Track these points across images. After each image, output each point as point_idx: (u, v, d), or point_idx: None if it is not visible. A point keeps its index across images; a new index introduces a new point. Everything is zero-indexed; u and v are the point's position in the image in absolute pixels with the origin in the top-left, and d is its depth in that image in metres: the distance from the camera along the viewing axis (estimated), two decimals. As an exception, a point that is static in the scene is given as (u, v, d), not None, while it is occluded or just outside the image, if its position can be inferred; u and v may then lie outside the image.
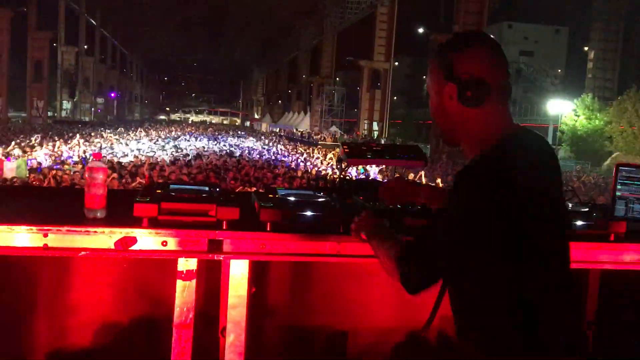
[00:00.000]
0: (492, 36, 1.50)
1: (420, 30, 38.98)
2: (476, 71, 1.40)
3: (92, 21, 46.30)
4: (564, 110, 35.99)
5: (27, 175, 9.89)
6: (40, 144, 16.71)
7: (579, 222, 2.20)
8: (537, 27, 60.31)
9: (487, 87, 1.40)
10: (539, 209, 1.38)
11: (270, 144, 27.52)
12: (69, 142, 18.88)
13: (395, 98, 43.66)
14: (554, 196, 1.47)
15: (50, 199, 2.42)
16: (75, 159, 14.46)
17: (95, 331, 2.38)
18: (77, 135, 20.87)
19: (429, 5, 32.87)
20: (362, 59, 37.23)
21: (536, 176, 1.41)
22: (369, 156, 2.49)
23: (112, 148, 19.38)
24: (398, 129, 48.54)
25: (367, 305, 2.48)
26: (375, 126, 37.32)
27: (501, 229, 1.34)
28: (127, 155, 16.71)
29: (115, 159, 14.90)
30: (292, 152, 23.26)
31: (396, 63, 40.64)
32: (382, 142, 34.35)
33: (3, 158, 10.84)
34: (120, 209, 2.02)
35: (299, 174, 12.83)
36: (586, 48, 49.87)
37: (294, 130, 44.84)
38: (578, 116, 34.60)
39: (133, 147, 21.12)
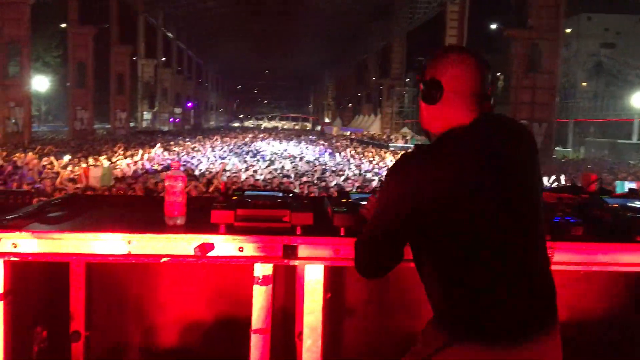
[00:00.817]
0: (473, 54, 1.59)
1: (493, 26, 37.91)
2: (437, 75, 1.56)
3: (170, 34, 48.25)
4: (651, 104, 33.91)
5: (112, 183, 10.41)
6: (124, 154, 17.56)
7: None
8: (618, 18, 57.14)
9: (441, 89, 1.56)
10: (464, 197, 1.44)
11: (337, 149, 27.50)
12: (150, 151, 19.73)
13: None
14: (504, 186, 1.48)
15: (132, 207, 2.53)
16: (156, 167, 15.09)
17: (179, 331, 2.46)
18: (157, 145, 21.76)
19: (502, 0, 31.93)
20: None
21: (472, 165, 1.47)
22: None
23: (189, 156, 20.06)
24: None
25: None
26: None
27: (408, 215, 1.47)
28: (202, 162, 17.23)
29: (193, 167, 15.41)
30: (362, 156, 23.19)
31: (469, 61, 39.66)
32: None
33: (89, 166, 11.46)
34: (198, 215, 2.09)
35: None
36: (674, 37, 46.84)
37: (365, 133, 44.73)
38: (666, 109, 32.50)
39: (209, 154, 21.77)
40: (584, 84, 55.14)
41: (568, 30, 52.90)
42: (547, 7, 22.75)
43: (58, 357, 2.30)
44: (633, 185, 11.43)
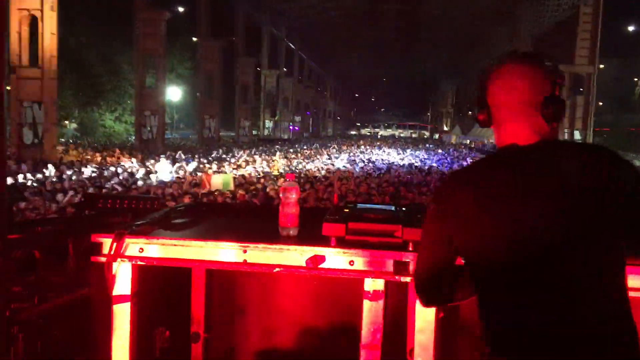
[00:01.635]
0: (521, 59, 1.49)
1: (631, 28, 35.10)
2: (483, 93, 1.54)
3: (291, 45, 49.88)
4: None
5: (233, 188, 10.92)
6: (247, 161, 18.39)
7: None
8: None
9: (484, 107, 1.52)
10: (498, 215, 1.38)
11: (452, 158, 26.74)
12: (270, 158, 20.49)
13: (601, 104, 39.83)
14: (547, 211, 1.35)
15: (249, 216, 2.62)
16: (275, 173, 15.63)
17: (291, 338, 2.51)
18: (277, 153, 22.52)
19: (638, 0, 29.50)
20: (561, 63, 34.66)
21: (510, 186, 1.39)
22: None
23: (307, 163, 20.56)
24: (605, 138, 44.06)
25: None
26: (577, 135, 34.41)
27: (446, 228, 1.46)
28: (319, 170, 17.58)
29: (310, 173, 15.77)
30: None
31: (601, 66, 37.09)
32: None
33: (211, 173, 12.10)
34: (311, 226, 2.12)
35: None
36: None
37: (485, 142, 43.21)
38: None
39: (327, 161, 22.17)
40: None
41: None
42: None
43: (179, 356, 2.43)
44: None
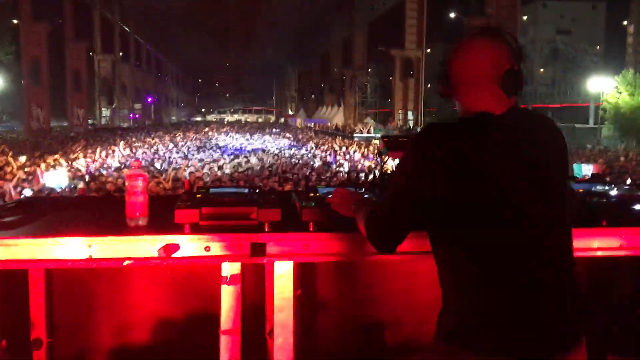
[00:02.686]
0: (487, 35, 1.55)
1: (453, 15, 38.32)
2: (449, 64, 1.58)
3: (127, 29, 47.21)
4: (605, 88, 34.84)
5: (70, 184, 10.13)
6: (83, 153, 17.12)
7: (638, 207, 2.09)
8: (572, 5, 58.47)
9: (447, 77, 1.58)
10: (481, 178, 1.40)
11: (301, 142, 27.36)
12: (110, 148, 19.30)
13: (429, 86, 43.13)
14: (527, 175, 1.43)
15: (92, 209, 2.44)
16: (117, 164, 14.77)
17: (147, 332, 2.39)
18: (121, 143, 21.27)
19: (460, -11, 32.29)
20: (393, 48, 36.87)
21: (491, 150, 1.41)
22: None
23: (152, 153, 19.72)
24: (434, 117, 47.86)
25: (411, 298, 2.42)
26: (410, 115, 36.95)
27: (426, 188, 1.42)
28: (165, 160, 16.94)
29: (157, 164, 15.14)
30: (326, 149, 23.19)
31: (429, 50, 40.06)
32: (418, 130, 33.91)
33: (43, 168, 11.11)
34: (162, 215, 2.02)
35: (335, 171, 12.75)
36: (625, 22, 48.16)
37: (329, 124, 44.77)
38: (620, 93, 33.41)
39: (172, 150, 21.44)
40: (541, 70, 56.29)
41: (525, 18, 53.86)
42: (505, -5, 23.12)
43: (19, 367, 2.21)
44: (590, 167, 11.69)
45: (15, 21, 33.24)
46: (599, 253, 2.03)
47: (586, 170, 10.99)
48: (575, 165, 12.30)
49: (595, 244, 2.01)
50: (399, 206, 1.49)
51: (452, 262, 1.46)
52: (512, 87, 1.49)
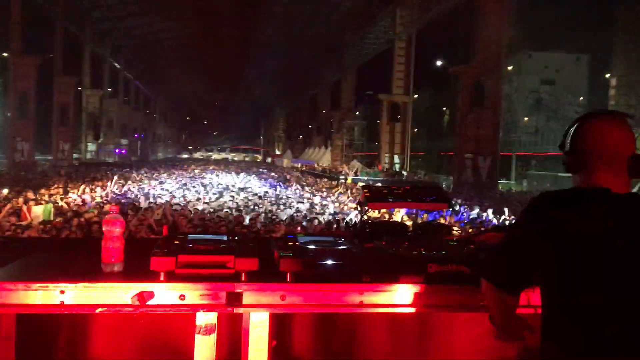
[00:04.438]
0: (608, 117, 1.62)
1: (439, 63, 39.17)
2: (577, 143, 1.65)
3: (117, 65, 47.56)
4: (588, 138, 35.44)
5: (53, 219, 10.00)
6: (65, 188, 16.96)
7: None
8: (557, 55, 60.07)
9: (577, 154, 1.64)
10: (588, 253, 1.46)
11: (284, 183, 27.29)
12: (93, 184, 19.16)
13: (416, 130, 43.70)
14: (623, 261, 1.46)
15: (68, 252, 2.40)
16: (99, 200, 14.63)
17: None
18: (114, 178, 21.05)
19: (448, 38, 33.02)
20: (381, 92, 37.46)
21: (600, 225, 1.47)
22: (390, 200, 2.44)
23: (137, 189, 19.59)
24: (420, 161, 48.29)
25: (391, 352, 2.39)
26: (396, 159, 37.25)
27: (535, 253, 1.53)
28: (149, 198, 16.82)
29: (142, 200, 15.02)
30: (313, 188, 23.21)
31: (416, 96, 40.72)
32: (404, 174, 34.18)
33: (32, 203, 11.00)
34: (138, 261, 2.00)
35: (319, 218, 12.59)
36: (608, 75, 49.53)
37: (315, 165, 44.95)
38: (604, 143, 33.99)
39: (157, 187, 21.32)
40: (526, 119, 57.37)
41: (510, 67, 55.14)
42: (490, 45, 23.69)
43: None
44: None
45: (5, 54, 33.35)
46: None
47: None
48: None
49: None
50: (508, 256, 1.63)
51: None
52: (637, 171, 1.56)
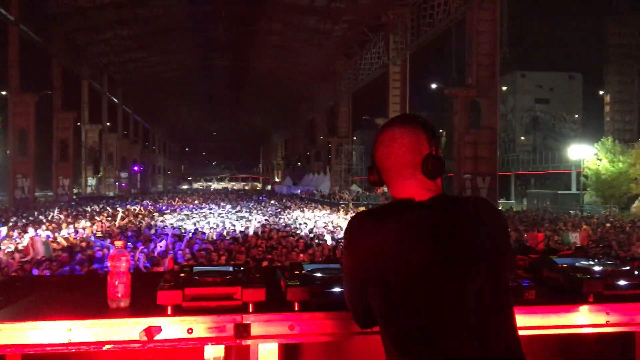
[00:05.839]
0: (398, 124, 1.60)
1: (434, 85, 39.48)
2: (374, 155, 1.68)
3: (115, 99, 47.91)
4: (586, 155, 35.65)
5: (52, 254, 9.98)
6: (66, 222, 16.94)
7: (622, 282, 2.10)
8: (550, 75, 60.60)
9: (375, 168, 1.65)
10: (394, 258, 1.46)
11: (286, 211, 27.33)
12: (94, 218, 19.14)
13: (414, 153, 43.77)
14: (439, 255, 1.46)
15: (73, 289, 2.39)
16: (99, 234, 14.59)
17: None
18: (119, 211, 21.06)
19: (442, 60, 33.37)
20: (378, 117, 37.67)
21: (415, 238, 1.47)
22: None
23: (138, 222, 19.56)
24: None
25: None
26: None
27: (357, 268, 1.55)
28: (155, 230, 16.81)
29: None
30: (313, 214, 23.19)
31: (412, 119, 40.84)
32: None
33: (38, 238, 10.99)
34: (144, 294, 1.99)
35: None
36: (601, 92, 49.93)
37: (315, 191, 44.98)
38: (600, 160, 34.17)
39: (158, 220, 21.30)
40: (522, 138, 57.60)
41: (504, 88, 55.61)
42: (484, 67, 23.91)
43: None
44: (576, 235, 11.88)
45: (3, 92, 33.62)
46: (584, 330, 2.01)
47: (573, 237, 11.26)
48: (563, 234, 12.61)
49: (579, 320, 2.00)
50: (347, 287, 1.66)
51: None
52: (434, 172, 1.54)
